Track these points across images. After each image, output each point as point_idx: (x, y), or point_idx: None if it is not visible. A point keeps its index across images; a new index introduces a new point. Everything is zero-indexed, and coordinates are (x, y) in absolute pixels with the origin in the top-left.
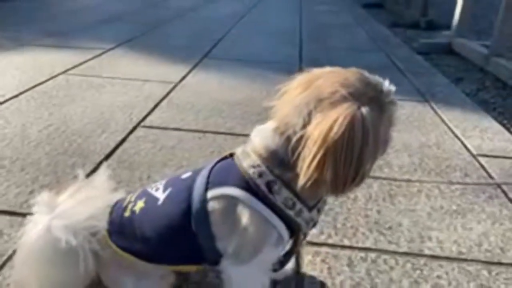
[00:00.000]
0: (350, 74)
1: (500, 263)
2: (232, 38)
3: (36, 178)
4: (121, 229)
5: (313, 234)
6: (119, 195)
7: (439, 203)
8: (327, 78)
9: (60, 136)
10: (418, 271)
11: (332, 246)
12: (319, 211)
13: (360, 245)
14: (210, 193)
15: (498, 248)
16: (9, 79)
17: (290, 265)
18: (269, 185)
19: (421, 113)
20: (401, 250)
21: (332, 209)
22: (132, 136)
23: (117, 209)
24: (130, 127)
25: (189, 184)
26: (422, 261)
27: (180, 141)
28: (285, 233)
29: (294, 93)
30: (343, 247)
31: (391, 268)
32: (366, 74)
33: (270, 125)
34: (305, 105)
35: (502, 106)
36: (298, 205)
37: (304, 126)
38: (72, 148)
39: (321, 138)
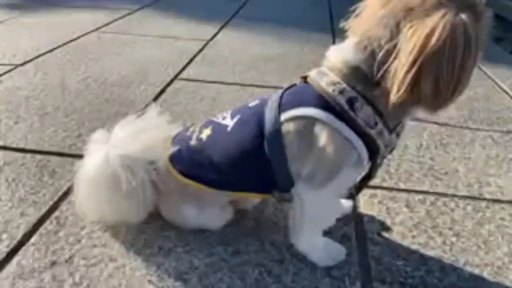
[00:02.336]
0: None
1: None
2: (259, 0)
3: (82, 123)
4: (187, 157)
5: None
6: (176, 127)
7: (495, 152)
8: None
9: (99, 87)
10: (480, 213)
11: (388, 189)
12: (398, 135)
13: (416, 188)
14: (284, 115)
15: None
16: (41, 36)
17: (349, 202)
18: (351, 101)
19: None
20: (460, 193)
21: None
22: (171, 88)
23: (179, 139)
24: (168, 79)
25: (260, 109)
26: (484, 204)
27: (220, 93)
28: (365, 154)
29: (375, 8)
30: (399, 190)
31: (452, 210)
32: None
33: (349, 41)
34: (391, 16)
35: None
36: (380, 125)
37: (392, 38)
38: (113, 98)
39: (417, 48)
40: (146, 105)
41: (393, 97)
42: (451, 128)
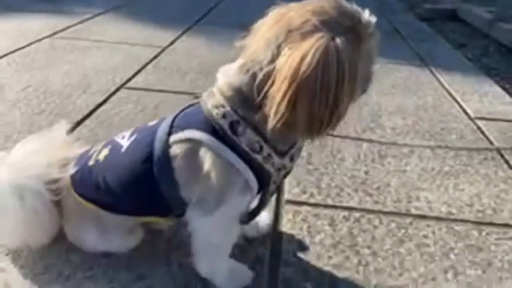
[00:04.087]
0: (325, 2)
1: (491, 223)
2: (227, 4)
3: (10, 137)
4: (85, 178)
5: (294, 192)
6: (79, 147)
7: (431, 165)
8: (299, 8)
9: (38, 97)
10: (402, 230)
11: (314, 205)
12: (292, 159)
13: (344, 204)
14: (173, 138)
15: (490, 209)
16: None
17: (266, 221)
18: (233, 125)
19: (419, 77)
20: (386, 209)
21: (317, 169)
22: (114, 98)
23: (82, 158)
24: (113, 88)
25: (154, 130)
26: (408, 220)
27: (163, 102)
28: (252, 179)
29: (265, 27)
30: (326, 206)
31: (375, 227)
32: (344, 2)
33: (237, 62)
34: (274, 38)
35: (505, 72)
36: (267, 149)
37: (272, 61)
38: (49, 108)
39: (290, 74)
40: (83, 117)
41: (271, 122)
42: (391, 138)
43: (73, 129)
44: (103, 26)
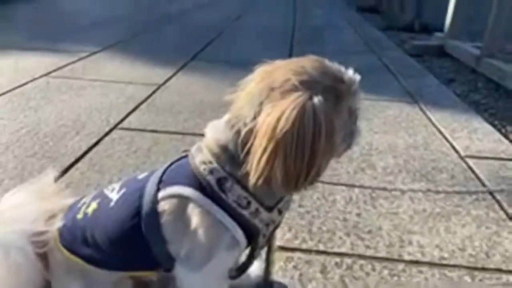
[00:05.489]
0: (307, 62)
1: (484, 269)
2: (223, 40)
3: (1, 182)
4: (73, 232)
5: (286, 238)
6: (68, 195)
7: (422, 206)
8: (283, 67)
9: (31, 139)
10: (395, 277)
11: (306, 251)
12: (280, 212)
13: (335, 250)
14: (161, 193)
15: (482, 253)
16: None
17: (256, 272)
18: (220, 182)
19: (409, 114)
20: (379, 255)
21: (308, 212)
22: (107, 139)
23: (70, 211)
24: (106, 129)
25: (143, 185)
26: (401, 266)
27: (156, 143)
28: (240, 235)
29: (251, 84)
30: (318, 252)
31: (367, 274)
32: (326, 62)
33: (224, 118)
34: (257, 95)
35: (493, 107)
36: (254, 205)
37: (254, 118)
38: (42, 151)
39: (269, 131)
40: (76, 159)
41: (252, 179)
42: (383, 179)
43: (64, 172)
44: (99, 64)
